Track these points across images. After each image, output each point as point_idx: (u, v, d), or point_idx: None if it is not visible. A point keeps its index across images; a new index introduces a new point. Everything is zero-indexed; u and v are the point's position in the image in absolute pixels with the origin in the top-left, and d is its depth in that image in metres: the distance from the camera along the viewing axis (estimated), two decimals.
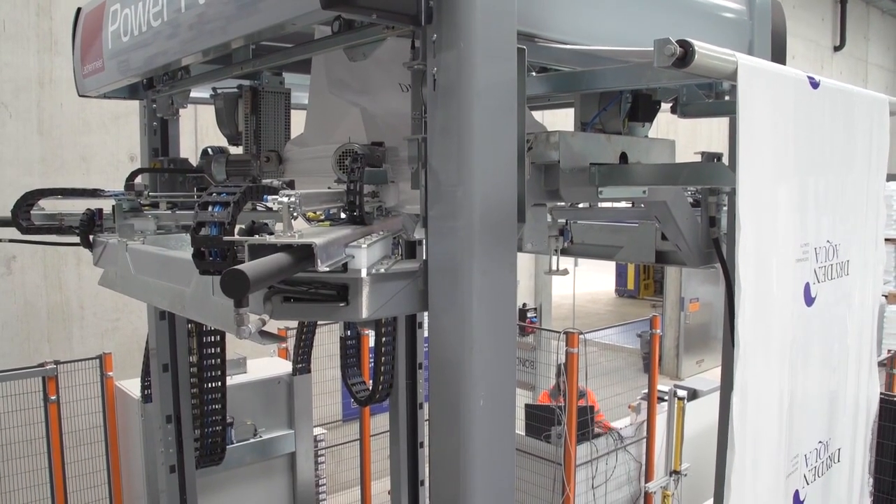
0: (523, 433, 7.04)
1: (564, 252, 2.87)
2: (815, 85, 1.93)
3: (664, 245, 2.92)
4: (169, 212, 3.02)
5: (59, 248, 6.54)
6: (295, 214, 1.79)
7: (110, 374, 5.59)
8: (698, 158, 2.40)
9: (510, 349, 1.95)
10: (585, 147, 2.23)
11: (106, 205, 3.15)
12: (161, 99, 3.40)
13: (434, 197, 1.89)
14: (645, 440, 7.38)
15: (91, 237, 3.15)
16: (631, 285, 22.52)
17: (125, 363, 6.09)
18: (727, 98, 2.69)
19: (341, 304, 1.86)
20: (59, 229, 3.24)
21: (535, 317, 10.92)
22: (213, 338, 3.82)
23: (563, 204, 3.05)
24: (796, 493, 2.10)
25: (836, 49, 17.83)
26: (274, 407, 5.45)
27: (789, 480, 2.04)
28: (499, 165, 1.85)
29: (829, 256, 2.13)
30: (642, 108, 2.57)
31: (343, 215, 2.21)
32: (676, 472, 7.44)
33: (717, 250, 2.58)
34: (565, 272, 2.73)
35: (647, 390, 7.52)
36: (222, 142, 3.34)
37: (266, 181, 2.49)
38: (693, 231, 2.71)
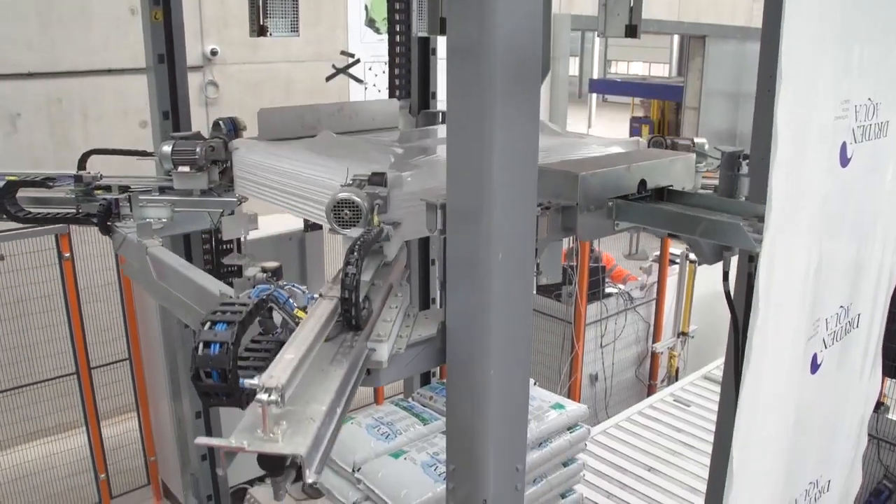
0: (534, 291, 7.13)
1: None
2: None
3: None
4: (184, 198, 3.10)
5: (65, 107, 6.42)
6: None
7: None
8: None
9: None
10: (605, 184, 2.15)
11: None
12: None
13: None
14: (654, 301, 7.48)
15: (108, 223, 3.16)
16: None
17: None
18: None
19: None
20: (75, 218, 3.26)
21: None
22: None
23: None
24: (814, 356, 2.10)
25: None
26: (286, 264, 5.44)
27: (809, 344, 2.03)
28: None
29: (869, 115, 2.02)
30: None
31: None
32: (684, 334, 7.59)
33: (728, 303, 2.33)
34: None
35: (658, 252, 7.55)
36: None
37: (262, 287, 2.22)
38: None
